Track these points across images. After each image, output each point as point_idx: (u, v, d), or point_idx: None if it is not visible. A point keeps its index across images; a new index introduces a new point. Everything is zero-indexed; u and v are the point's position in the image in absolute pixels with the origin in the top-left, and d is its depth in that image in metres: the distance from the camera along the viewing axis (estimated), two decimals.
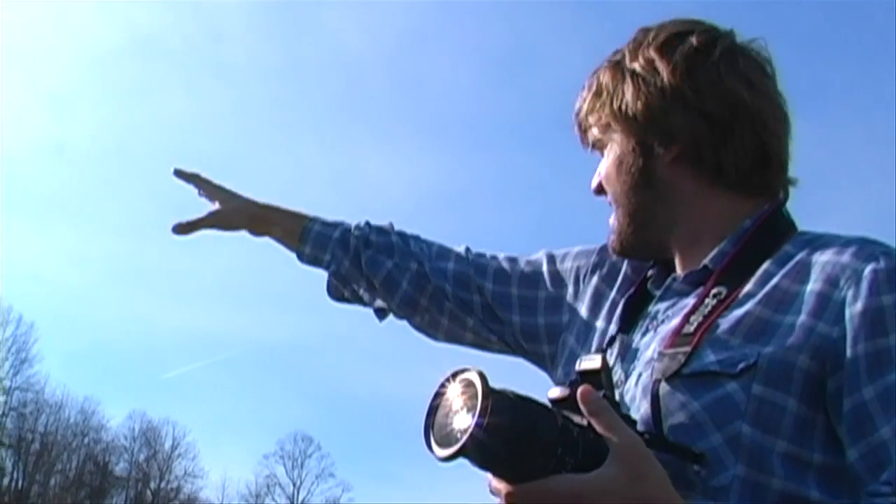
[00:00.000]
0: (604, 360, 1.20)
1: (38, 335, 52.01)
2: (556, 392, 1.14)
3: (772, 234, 1.37)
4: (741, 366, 1.23)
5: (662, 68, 1.39)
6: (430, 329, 1.76)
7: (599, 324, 1.53)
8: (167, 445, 56.32)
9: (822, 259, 1.28)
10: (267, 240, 1.85)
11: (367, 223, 1.79)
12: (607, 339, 1.47)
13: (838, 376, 1.21)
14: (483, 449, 1.04)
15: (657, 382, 1.26)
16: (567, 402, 1.12)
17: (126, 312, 70.22)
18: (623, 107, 1.41)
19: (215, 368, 78.62)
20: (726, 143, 1.38)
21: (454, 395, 1.08)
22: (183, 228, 1.83)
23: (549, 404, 1.12)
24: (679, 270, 1.44)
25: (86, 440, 53.92)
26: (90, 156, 72.00)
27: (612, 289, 1.56)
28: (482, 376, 1.05)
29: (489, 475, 1.11)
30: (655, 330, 1.38)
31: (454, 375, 1.09)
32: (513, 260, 1.71)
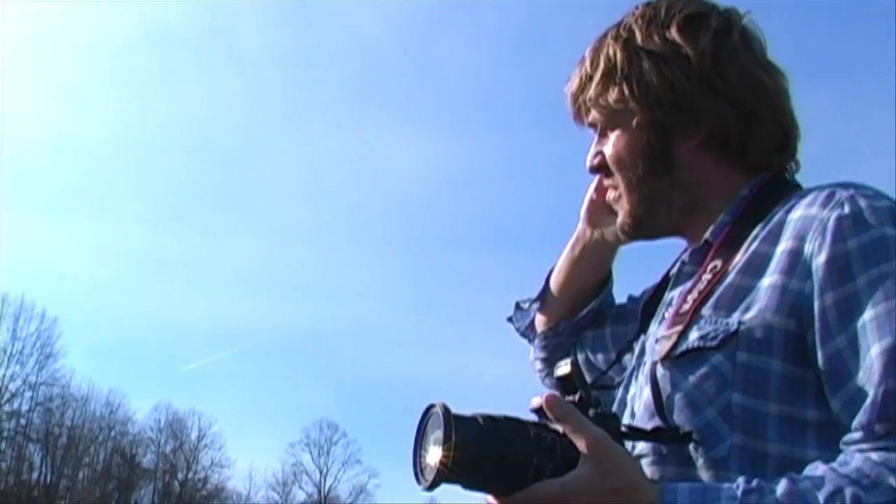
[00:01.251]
0: (573, 363, 1.24)
1: (62, 329, 52.36)
2: (534, 401, 1.20)
3: (767, 201, 1.36)
4: (721, 337, 1.24)
5: (689, 51, 1.37)
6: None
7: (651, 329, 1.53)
8: (193, 436, 56.79)
9: (795, 215, 1.28)
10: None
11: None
12: (626, 343, 1.53)
13: (813, 330, 1.21)
14: (459, 474, 1.12)
15: (654, 365, 1.30)
16: (542, 410, 1.19)
17: (148, 304, 70.63)
18: (644, 89, 1.38)
19: (239, 357, 78.89)
20: (752, 128, 1.38)
21: (429, 429, 1.15)
22: None
23: (528, 417, 1.19)
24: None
25: (112, 433, 54.37)
26: (107, 148, 72.31)
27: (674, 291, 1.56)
28: (445, 409, 1.13)
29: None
30: (664, 315, 1.40)
31: (426, 411, 1.16)
32: (613, 306, 1.75)
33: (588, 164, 1.48)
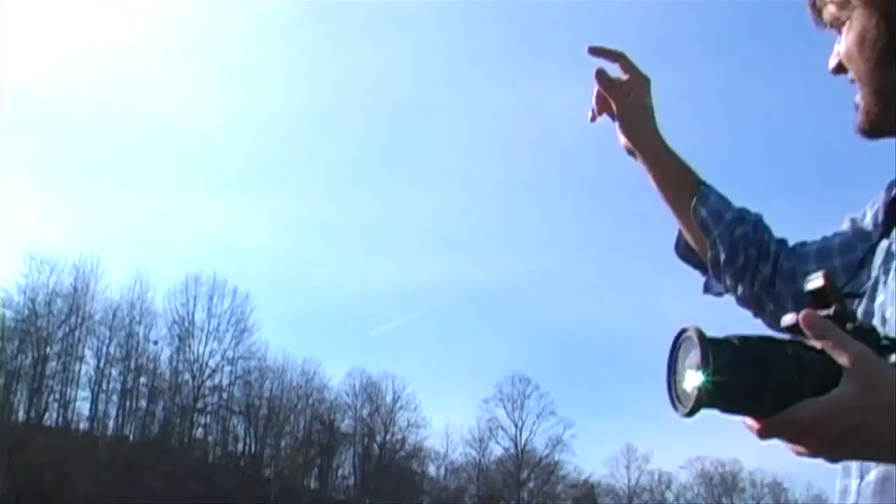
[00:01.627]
0: (826, 276, 1.19)
1: (254, 304, 54.34)
2: (787, 319, 1.17)
3: None
4: None
5: None
6: (776, 324, 1.68)
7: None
8: (388, 399, 58.14)
9: None
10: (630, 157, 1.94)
11: (749, 211, 1.87)
12: (868, 248, 1.49)
13: None
14: (718, 399, 1.09)
15: None
16: (798, 328, 1.15)
17: (336, 271, 72.57)
18: None
19: (427, 318, 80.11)
20: None
21: (681, 354, 1.13)
22: (595, 114, 1.94)
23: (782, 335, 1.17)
24: None
25: (310, 401, 56.26)
26: (281, 123, 74.31)
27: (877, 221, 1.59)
28: (699, 332, 1.10)
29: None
30: None
31: (679, 336, 1.14)
32: (827, 238, 1.77)
33: (830, 66, 1.44)
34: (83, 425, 50.46)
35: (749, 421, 1.13)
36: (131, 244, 69.65)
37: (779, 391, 1.10)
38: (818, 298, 1.19)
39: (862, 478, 1.29)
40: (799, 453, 1.14)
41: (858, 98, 1.43)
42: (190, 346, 52.72)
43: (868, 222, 1.69)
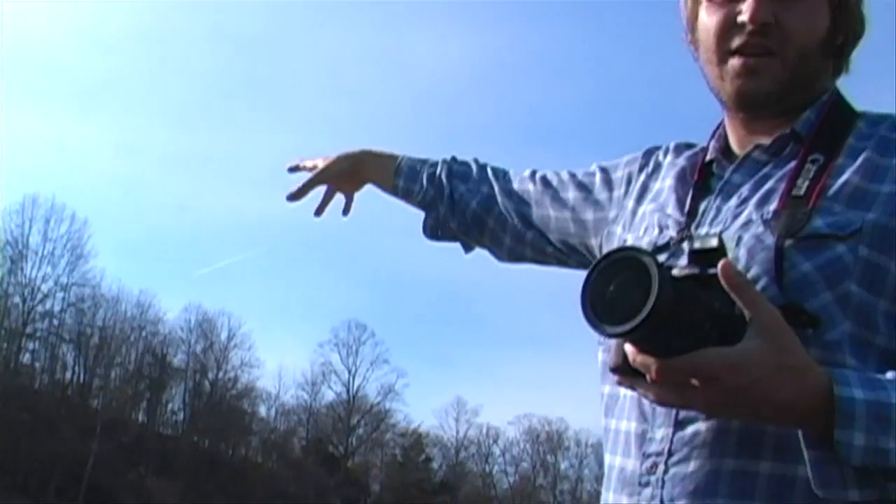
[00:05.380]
0: (720, 239, 1.23)
1: (92, 231, 52.68)
2: (681, 270, 1.19)
3: (842, 110, 1.46)
4: (850, 229, 1.29)
5: None
6: (495, 247, 1.93)
7: (644, 207, 1.59)
8: (223, 336, 57.47)
9: None
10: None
11: (454, 157, 2.02)
12: (686, 209, 1.49)
13: None
14: (652, 326, 1.09)
15: (781, 238, 1.31)
16: (696, 280, 1.17)
17: (178, 202, 70.86)
18: None
19: (267, 257, 79.28)
20: (853, 47, 1.50)
21: (618, 272, 1.13)
22: (295, 195, 2.09)
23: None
24: (740, 140, 1.51)
25: (143, 333, 55.07)
26: (131, 44, 71.66)
27: (657, 180, 1.63)
28: (653, 256, 1.11)
29: (630, 350, 1.16)
30: (741, 196, 1.42)
31: (617, 252, 1.15)
32: (572, 174, 1.82)
33: (761, 17, 1.42)
34: None
35: (643, 358, 1.15)
36: None
37: (692, 333, 1.13)
38: (706, 259, 1.21)
39: (679, 426, 1.31)
40: (688, 401, 1.18)
41: (755, 63, 1.44)
42: (22, 269, 50.76)
43: (619, 175, 1.73)
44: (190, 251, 77.18)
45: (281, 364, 72.70)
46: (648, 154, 1.71)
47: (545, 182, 1.85)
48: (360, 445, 60.01)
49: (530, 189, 1.85)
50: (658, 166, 1.66)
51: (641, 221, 1.58)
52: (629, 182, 1.70)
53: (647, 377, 1.16)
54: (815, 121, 1.44)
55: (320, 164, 2.07)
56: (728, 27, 1.46)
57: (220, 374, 57.45)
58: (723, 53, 1.46)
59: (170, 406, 57.20)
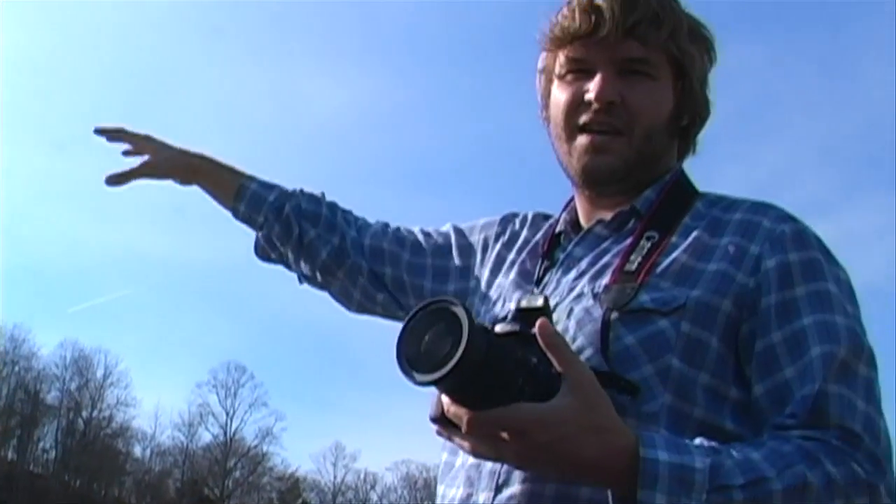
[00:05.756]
0: (545, 298, 1.28)
1: None
2: (504, 327, 1.22)
3: (683, 190, 1.53)
4: (673, 305, 1.35)
5: (705, 49, 1.55)
6: (344, 299, 1.89)
7: (499, 280, 1.64)
8: (99, 374, 56.11)
9: (736, 217, 1.45)
10: (195, 188, 1.93)
11: (302, 190, 1.90)
12: (524, 277, 1.58)
13: (752, 322, 1.36)
14: (461, 376, 1.10)
15: (609, 311, 1.37)
16: (516, 337, 1.20)
17: (55, 233, 69.14)
18: (687, 61, 1.51)
19: (148, 293, 77.82)
20: (698, 130, 1.58)
21: (433, 322, 1.14)
22: (115, 179, 1.92)
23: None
24: (587, 214, 1.56)
25: (16, 368, 53.44)
26: (15, 68, 70.03)
27: (510, 251, 1.67)
28: (466, 308, 1.12)
29: (446, 401, 1.18)
30: (579, 269, 1.48)
31: (432, 304, 1.16)
32: (427, 234, 1.83)
33: (606, 96, 1.47)
34: None
35: (457, 410, 1.16)
36: None
37: (504, 387, 1.14)
38: (529, 318, 1.23)
39: (498, 490, 1.34)
40: (499, 454, 1.19)
41: (600, 141, 1.48)
42: None
43: (475, 240, 1.75)
44: (69, 286, 75.34)
45: (158, 404, 70.91)
46: (505, 222, 1.74)
47: (400, 241, 1.82)
48: (237, 488, 59.01)
49: (384, 247, 1.82)
50: (514, 236, 1.70)
51: (496, 293, 1.61)
52: (485, 249, 1.73)
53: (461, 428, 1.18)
54: (654, 199, 1.49)
55: (148, 149, 1.92)
56: (576, 105, 1.49)
57: (95, 413, 56.05)
58: (571, 130, 1.50)
59: (41, 444, 55.49)
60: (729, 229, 1.43)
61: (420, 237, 1.82)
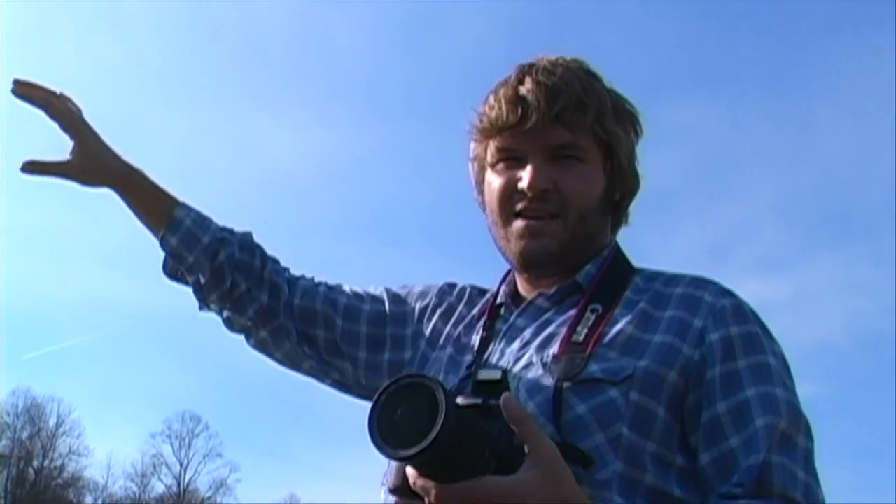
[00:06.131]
0: (504, 372, 1.30)
1: None
2: (466, 400, 1.24)
3: (621, 265, 1.58)
4: (623, 375, 1.38)
5: (631, 125, 1.60)
6: (267, 355, 1.84)
7: (437, 353, 1.65)
8: (51, 423, 55.29)
9: (678, 291, 1.50)
10: (106, 191, 1.77)
11: (233, 231, 1.80)
12: (465, 352, 1.59)
13: (698, 392, 1.40)
14: (437, 452, 1.12)
15: (560, 381, 1.39)
16: (478, 409, 1.22)
17: (9, 278, 68.13)
18: (614, 141, 1.55)
19: (102, 342, 76.94)
20: (629, 203, 1.63)
21: (406, 397, 1.15)
22: (33, 167, 1.75)
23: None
24: (526, 287, 1.60)
25: None
26: None
27: (447, 324, 1.69)
28: (441, 384, 1.14)
29: (412, 473, 1.19)
30: (524, 339, 1.51)
31: (406, 378, 1.17)
32: (360, 297, 1.79)
33: (539, 184, 1.51)
34: None
35: (423, 482, 1.18)
36: None
37: (472, 461, 1.16)
38: (487, 390, 1.26)
39: None
40: None
41: (536, 225, 1.52)
42: None
43: (409, 309, 1.75)
44: (23, 332, 74.11)
45: (111, 454, 69.59)
46: (442, 294, 1.75)
47: (332, 303, 1.78)
48: None
49: (317, 308, 1.78)
50: (450, 309, 1.71)
51: (434, 367, 1.61)
52: (420, 320, 1.73)
53: (426, 501, 1.19)
54: (595, 273, 1.53)
55: (82, 136, 1.75)
56: (510, 193, 1.53)
57: (46, 462, 55.12)
58: (507, 217, 1.54)
59: None
60: (672, 303, 1.48)
61: (353, 300, 1.79)
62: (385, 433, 1.14)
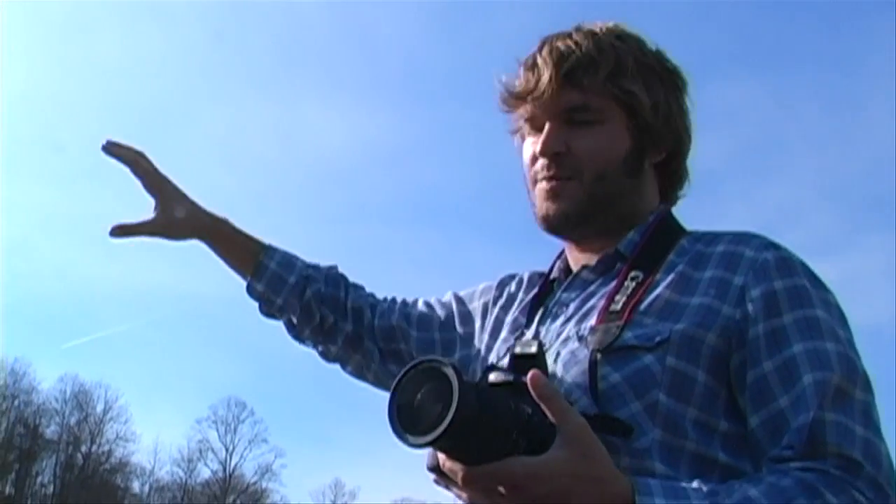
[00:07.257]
0: (539, 344, 1.30)
1: None
2: (498, 377, 1.23)
3: (669, 230, 1.53)
4: (657, 339, 1.34)
5: (667, 81, 1.55)
6: (359, 378, 1.91)
7: (497, 343, 1.63)
8: (99, 409, 55.99)
9: (719, 249, 1.45)
10: (197, 242, 1.86)
11: (318, 267, 1.88)
12: (516, 331, 1.58)
13: (742, 353, 1.35)
14: (453, 437, 1.10)
15: (595, 352, 1.36)
16: (510, 387, 1.21)
17: (58, 266, 69.23)
18: (641, 97, 1.50)
19: (150, 328, 77.78)
20: (681, 163, 1.59)
21: (423, 382, 1.14)
22: (121, 231, 1.82)
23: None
24: (576, 261, 1.58)
25: (16, 402, 53.33)
26: (20, 101, 70.45)
27: (507, 313, 1.68)
28: (454, 367, 1.12)
29: (441, 456, 1.18)
30: (567, 314, 1.49)
31: (421, 363, 1.15)
32: (431, 306, 1.84)
33: (549, 148, 1.50)
34: None
35: (452, 465, 1.17)
36: None
37: (499, 442, 1.14)
38: (523, 365, 1.24)
39: None
40: None
41: (552, 186, 1.51)
42: None
43: (474, 307, 1.77)
44: (70, 320, 75.30)
45: (157, 439, 70.64)
46: (502, 285, 1.75)
47: (406, 317, 1.83)
48: None
49: (394, 324, 1.82)
50: (511, 298, 1.71)
51: (494, 356, 1.60)
52: (484, 315, 1.74)
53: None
54: (638, 240, 1.49)
55: (166, 194, 1.83)
56: (533, 160, 1.54)
57: (94, 448, 55.89)
58: (532, 183, 1.54)
59: (39, 479, 55.27)
60: (712, 262, 1.43)
61: (425, 310, 1.83)
62: (405, 420, 1.13)
